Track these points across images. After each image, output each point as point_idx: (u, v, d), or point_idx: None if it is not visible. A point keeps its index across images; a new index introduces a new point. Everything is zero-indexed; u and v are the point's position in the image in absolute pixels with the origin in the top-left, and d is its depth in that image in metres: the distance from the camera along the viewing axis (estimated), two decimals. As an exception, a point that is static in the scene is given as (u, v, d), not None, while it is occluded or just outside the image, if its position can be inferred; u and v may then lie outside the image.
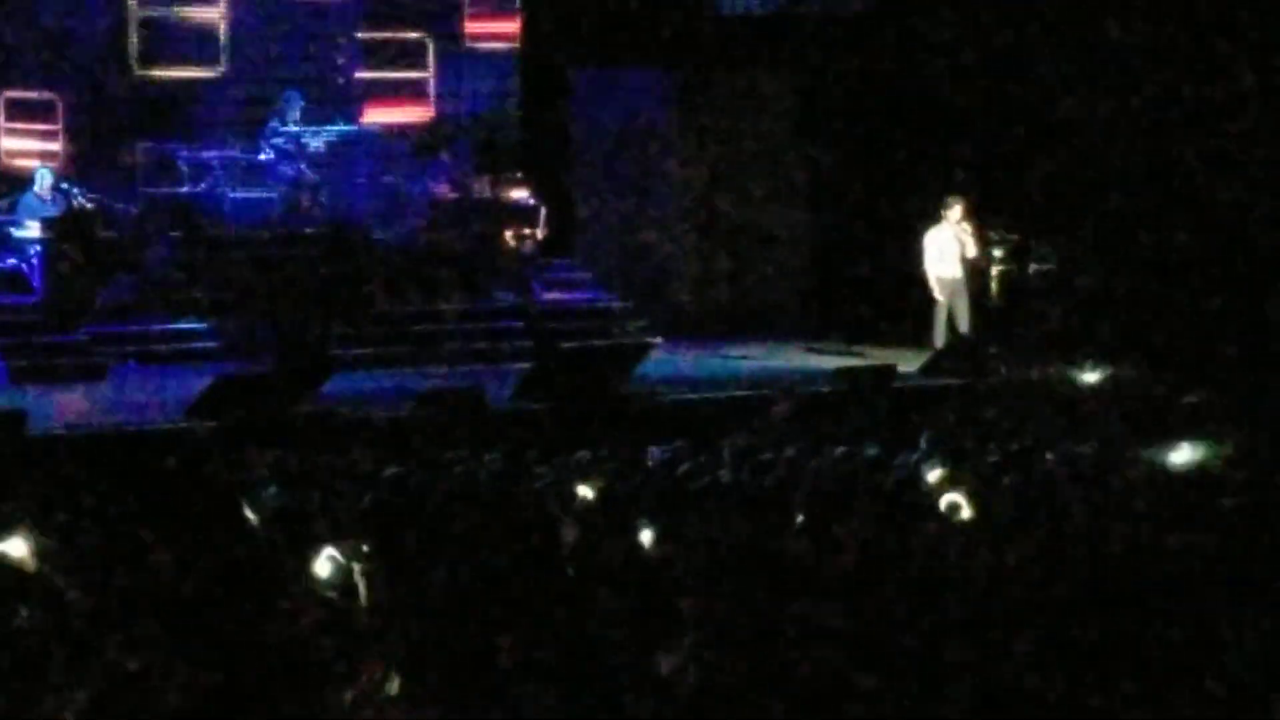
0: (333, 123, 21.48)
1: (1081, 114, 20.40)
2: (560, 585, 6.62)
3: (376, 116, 22.17)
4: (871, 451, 11.49)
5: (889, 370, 17.64)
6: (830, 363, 18.72)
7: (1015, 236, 20.28)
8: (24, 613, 5.59)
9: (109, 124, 21.08)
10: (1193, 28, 19.71)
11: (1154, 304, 19.49)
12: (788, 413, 15.08)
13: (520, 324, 20.64)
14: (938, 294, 19.40)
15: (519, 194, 21.27)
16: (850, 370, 17.57)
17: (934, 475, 10.26)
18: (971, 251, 19.46)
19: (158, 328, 19.44)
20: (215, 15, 21.56)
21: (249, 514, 7.72)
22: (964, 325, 19.37)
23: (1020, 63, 20.73)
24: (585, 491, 9.91)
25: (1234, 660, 6.01)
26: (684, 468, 10.91)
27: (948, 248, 19.40)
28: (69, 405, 16.40)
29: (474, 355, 19.65)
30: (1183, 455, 11.36)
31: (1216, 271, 19.47)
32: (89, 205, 19.92)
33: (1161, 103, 19.90)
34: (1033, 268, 20.26)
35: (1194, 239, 19.70)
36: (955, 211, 19.43)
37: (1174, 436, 11.92)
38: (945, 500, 9.39)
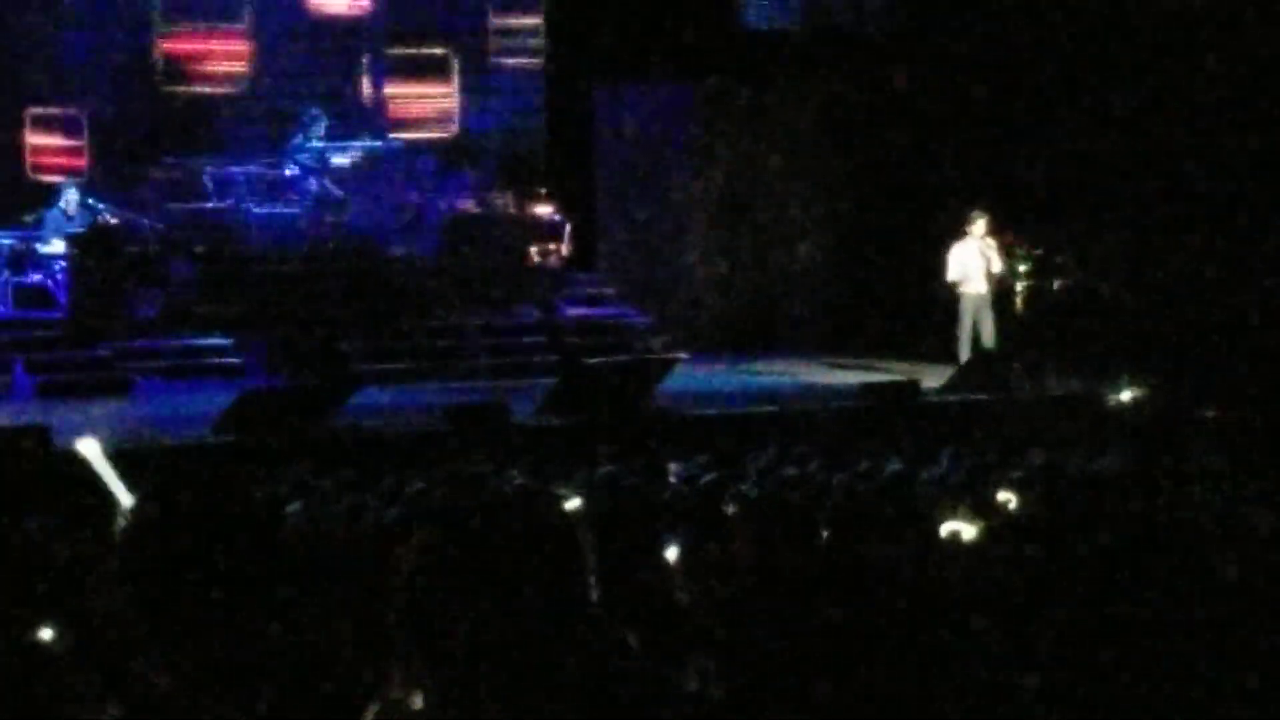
0: (357, 139, 21.53)
1: (1107, 130, 20.38)
2: (583, 601, 6.62)
3: (401, 133, 22.22)
4: (895, 467, 11.45)
5: (913, 386, 17.64)
6: (854, 378, 18.73)
7: (1039, 251, 20.23)
8: (51, 631, 5.60)
9: (134, 140, 21.16)
10: (1218, 46, 19.69)
11: (1179, 318, 19.45)
12: None
13: (545, 339, 20.67)
14: (962, 309, 19.38)
15: (543, 209, 21.29)
16: (874, 385, 17.57)
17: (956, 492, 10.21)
18: (996, 266, 19.41)
19: (182, 343, 19.49)
20: (240, 31, 21.64)
21: (275, 529, 7.72)
22: (988, 340, 19.34)
23: (1044, 80, 20.73)
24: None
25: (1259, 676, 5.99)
26: (707, 482, 10.88)
27: (972, 263, 19.37)
28: (94, 420, 16.41)
29: (498, 370, 19.69)
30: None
31: (1242, 286, 19.43)
32: (114, 221, 19.99)
33: (1186, 119, 19.88)
34: (1057, 282, 20.22)
35: (1219, 253, 19.67)
36: (979, 226, 19.39)
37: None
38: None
